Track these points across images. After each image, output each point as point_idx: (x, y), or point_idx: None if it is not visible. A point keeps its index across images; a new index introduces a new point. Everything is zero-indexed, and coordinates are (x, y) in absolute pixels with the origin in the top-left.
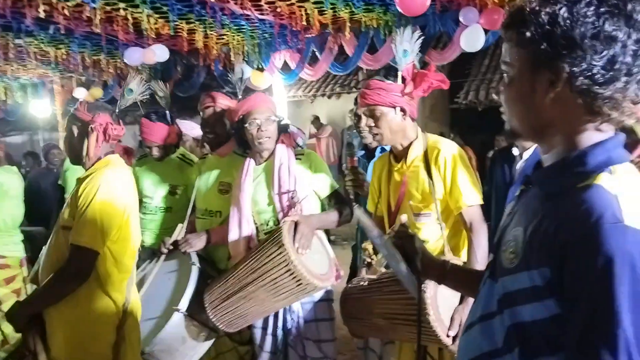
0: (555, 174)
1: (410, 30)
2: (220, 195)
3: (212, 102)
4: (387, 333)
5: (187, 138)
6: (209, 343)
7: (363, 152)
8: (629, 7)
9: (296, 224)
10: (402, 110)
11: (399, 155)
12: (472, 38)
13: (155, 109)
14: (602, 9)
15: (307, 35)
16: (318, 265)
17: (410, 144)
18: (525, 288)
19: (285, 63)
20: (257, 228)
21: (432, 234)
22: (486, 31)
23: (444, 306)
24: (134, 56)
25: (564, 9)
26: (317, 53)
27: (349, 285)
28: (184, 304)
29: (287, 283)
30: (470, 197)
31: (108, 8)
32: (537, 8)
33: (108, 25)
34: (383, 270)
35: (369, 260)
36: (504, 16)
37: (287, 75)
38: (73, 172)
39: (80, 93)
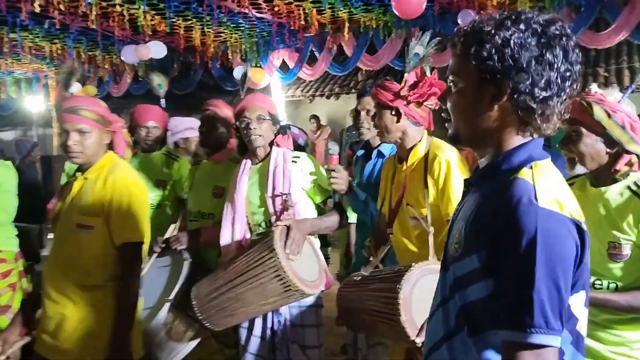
0: (488, 174)
1: (428, 35)
2: (213, 199)
3: (214, 107)
4: (371, 329)
5: (194, 139)
6: (196, 341)
7: (362, 151)
8: (564, 40)
9: (288, 229)
10: (397, 112)
11: (402, 156)
12: None
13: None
14: (542, 40)
15: (305, 35)
16: (308, 271)
17: (414, 146)
18: (470, 271)
19: (284, 62)
20: (250, 229)
21: (424, 240)
22: None
23: (418, 308)
24: (130, 53)
25: (515, 35)
26: (315, 53)
27: (345, 280)
28: (174, 294)
29: (276, 288)
30: None
31: (104, 4)
32: (493, 31)
33: (104, 21)
34: (379, 267)
35: (367, 257)
36: None
37: (285, 75)
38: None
39: (75, 88)
